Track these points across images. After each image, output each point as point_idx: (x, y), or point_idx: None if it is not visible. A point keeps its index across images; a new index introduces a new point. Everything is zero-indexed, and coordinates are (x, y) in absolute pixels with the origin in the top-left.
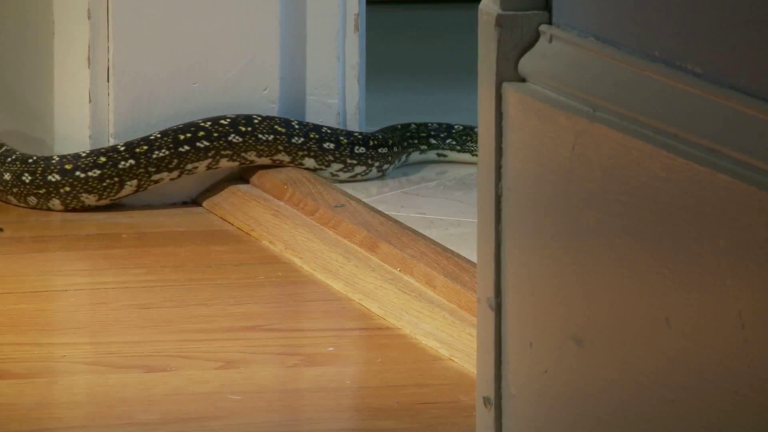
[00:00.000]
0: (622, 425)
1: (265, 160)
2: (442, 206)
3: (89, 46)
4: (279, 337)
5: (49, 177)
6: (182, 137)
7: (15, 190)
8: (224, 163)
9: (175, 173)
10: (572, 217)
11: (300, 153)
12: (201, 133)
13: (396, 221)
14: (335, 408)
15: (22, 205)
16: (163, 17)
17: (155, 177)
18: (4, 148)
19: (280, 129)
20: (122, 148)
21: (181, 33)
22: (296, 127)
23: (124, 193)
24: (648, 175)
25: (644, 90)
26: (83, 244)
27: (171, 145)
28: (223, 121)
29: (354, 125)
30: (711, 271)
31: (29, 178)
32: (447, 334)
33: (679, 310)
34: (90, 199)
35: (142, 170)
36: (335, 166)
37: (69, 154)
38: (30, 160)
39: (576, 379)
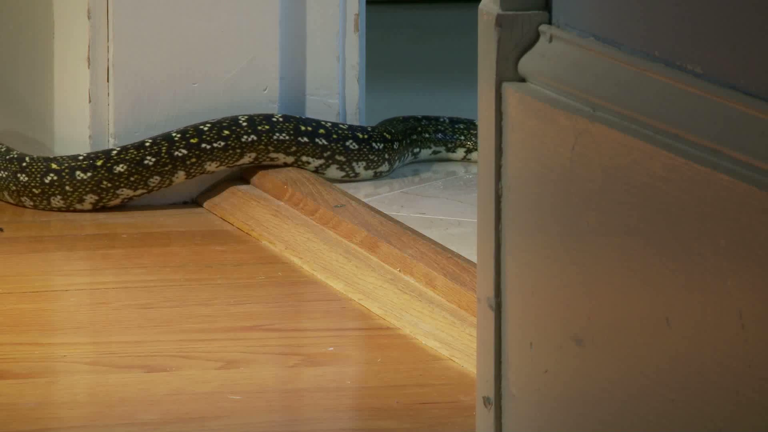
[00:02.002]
0: (623, 425)
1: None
2: (442, 206)
3: (89, 46)
4: (279, 337)
5: (117, 169)
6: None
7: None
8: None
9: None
10: (572, 217)
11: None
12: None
13: (396, 221)
14: (335, 408)
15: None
16: (163, 17)
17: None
18: (4, 148)
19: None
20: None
21: (181, 33)
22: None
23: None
24: (648, 175)
25: (644, 90)
26: (83, 244)
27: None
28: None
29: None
30: (711, 271)
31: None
32: (447, 334)
33: (679, 310)
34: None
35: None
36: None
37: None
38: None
39: (576, 379)
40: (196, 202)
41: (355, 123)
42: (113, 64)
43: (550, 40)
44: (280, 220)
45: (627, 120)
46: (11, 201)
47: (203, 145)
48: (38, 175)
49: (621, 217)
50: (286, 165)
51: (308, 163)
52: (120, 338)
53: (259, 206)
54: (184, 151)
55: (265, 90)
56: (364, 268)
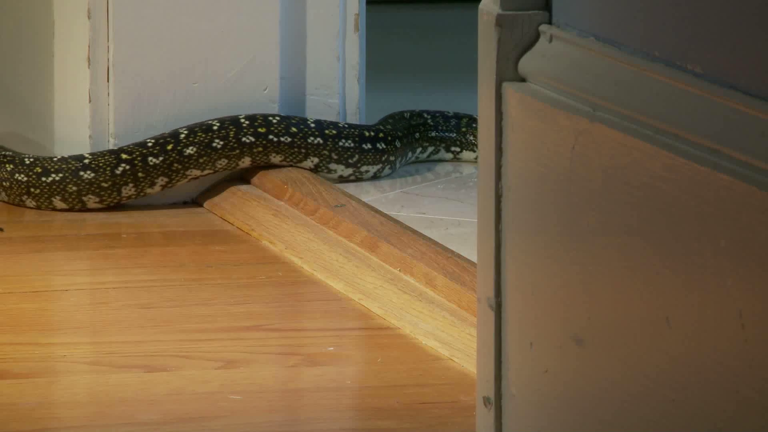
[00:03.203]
0: (623, 425)
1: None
2: (442, 206)
3: (89, 46)
4: (279, 337)
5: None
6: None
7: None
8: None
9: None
10: (573, 217)
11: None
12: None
13: (396, 221)
14: (335, 408)
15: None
16: (164, 17)
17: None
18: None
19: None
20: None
21: (182, 33)
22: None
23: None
24: (648, 174)
25: (645, 90)
26: (83, 244)
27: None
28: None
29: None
30: (712, 271)
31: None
32: (447, 334)
33: (679, 309)
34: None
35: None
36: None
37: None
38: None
39: (577, 379)
40: (196, 202)
41: (355, 123)
42: (113, 64)
43: (550, 40)
44: (280, 220)
45: (627, 120)
46: (64, 206)
47: (270, 137)
48: (107, 169)
49: (621, 217)
50: (342, 179)
51: (367, 172)
52: (120, 338)
53: (260, 206)
54: (252, 138)
55: (265, 90)
56: (364, 267)
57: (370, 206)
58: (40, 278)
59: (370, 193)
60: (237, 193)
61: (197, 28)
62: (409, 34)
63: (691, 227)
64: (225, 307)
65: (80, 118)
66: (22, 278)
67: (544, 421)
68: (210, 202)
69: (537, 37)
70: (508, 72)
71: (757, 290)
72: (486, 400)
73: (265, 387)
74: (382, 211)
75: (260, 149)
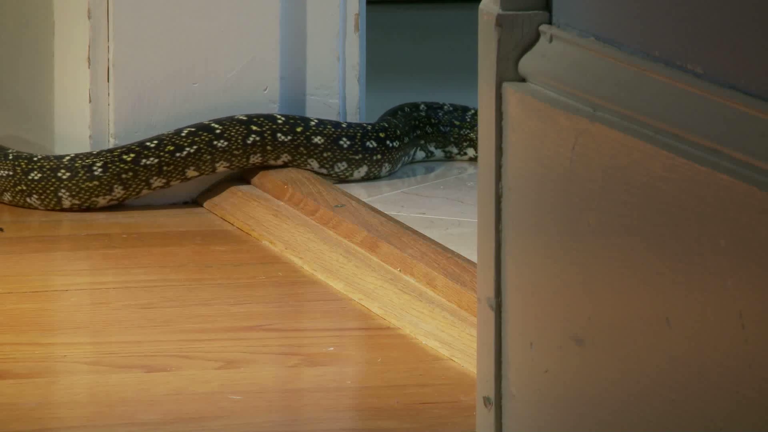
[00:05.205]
0: (624, 425)
1: None
2: (442, 206)
3: (89, 46)
4: (279, 337)
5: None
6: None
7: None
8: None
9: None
10: (573, 217)
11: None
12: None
13: (396, 221)
14: (336, 408)
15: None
16: (164, 17)
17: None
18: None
19: None
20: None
21: (182, 33)
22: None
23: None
24: (649, 175)
25: (645, 90)
26: (84, 244)
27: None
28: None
29: None
30: (712, 271)
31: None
32: (447, 334)
33: (679, 310)
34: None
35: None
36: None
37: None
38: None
39: (577, 379)
40: (196, 202)
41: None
42: (113, 64)
43: (551, 40)
44: (280, 220)
45: (627, 120)
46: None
47: (340, 142)
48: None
49: (621, 217)
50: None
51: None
52: (120, 338)
53: (260, 206)
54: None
55: (265, 90)
56: (365, 268)
57: (370, 206)
58: (40, 278)
59: (370, 193)
60: (237, 193)
61: (197, 28)
62: (409, 34)
63: (691, 227)
64: (225, 307)
65: (80, 117)
66: (22, 278)
67: (544, 421)
68: (210, 202)
69: (537, 37)
70: (509, 72)
71: (757, 290)
72: (486, 400)
73: (265, 387)
74: (382, 211)
75: (329, 154)
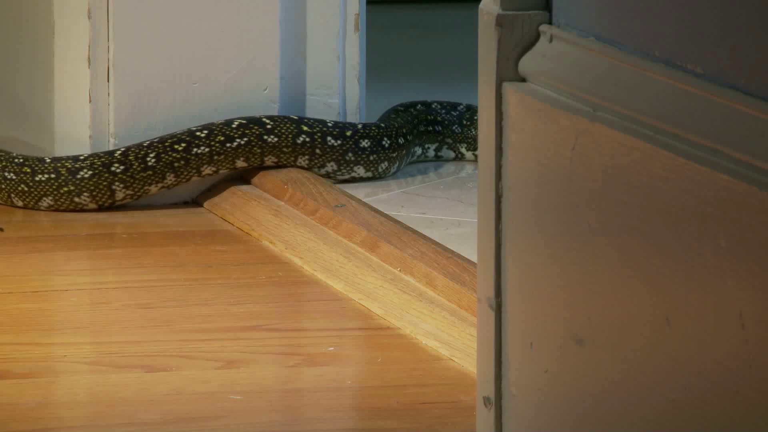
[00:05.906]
0: (624, 425)
1: None
2: (442, 206)
3: (89, 46)
4: (279, 337)
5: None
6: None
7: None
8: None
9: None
10: (573, 217)
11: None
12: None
13: (396, 221)
14: (336, 408)
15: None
16: (164, 17)
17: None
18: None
19: None
20: None
21: (182, 33)
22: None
23: None
24: (649, 175)
25: (645, 90)
26: (83, 244)
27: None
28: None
29: None
30: (712, 271)
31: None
32: (447, 334)
33: (679, 310)
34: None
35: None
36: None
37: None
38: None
39: (577, 379)
40: (196, 202)
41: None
42: (113, 64)
43: (551, 40)
44: (280, 220)
45: (627, 120)
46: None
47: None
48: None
49: (621, 217)
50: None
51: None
52: (120, 338)
53: (260, 206)
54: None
55: (265, 90)
56: (365, 268)
57: (370, 206)
58: (40, 278)
59: (370, 193)
60: (237, 193)
61: (197, 28)
62: (409, 34)
63: (691, 227)
64: (225, 307)
65: (80, 117)
66: (22, 278)
67: (544, 421)
68: (210, 202)
69: (537, 37)
70: (509, 72)
71: (758, 290)
72: (486, 400)
73: (265, 387)
74: (382, 211)
75: (375, 156)
